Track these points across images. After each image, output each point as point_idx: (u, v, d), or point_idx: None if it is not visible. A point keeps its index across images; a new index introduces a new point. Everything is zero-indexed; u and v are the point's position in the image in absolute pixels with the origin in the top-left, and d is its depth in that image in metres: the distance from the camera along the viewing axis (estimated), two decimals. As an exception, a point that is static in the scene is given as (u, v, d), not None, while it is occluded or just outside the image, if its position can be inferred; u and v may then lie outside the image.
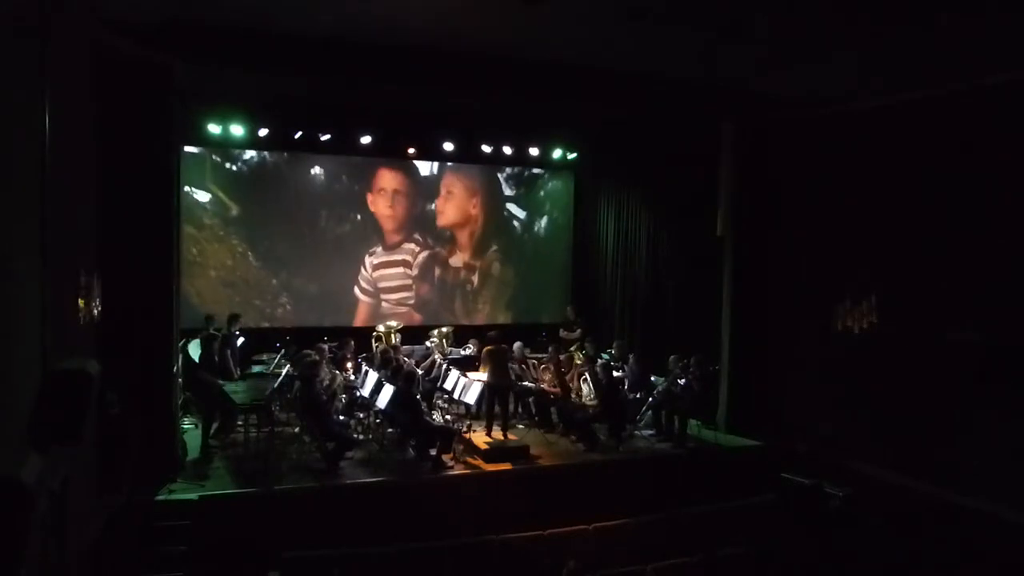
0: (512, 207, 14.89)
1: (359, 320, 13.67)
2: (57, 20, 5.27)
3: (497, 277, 14.83)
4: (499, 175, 14.69)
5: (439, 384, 10.55)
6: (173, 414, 8.55)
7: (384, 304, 13.88)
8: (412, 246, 14.12)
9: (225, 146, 12.50)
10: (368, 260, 13.78)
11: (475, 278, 14.68)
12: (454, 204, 14.40)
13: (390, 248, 13.95)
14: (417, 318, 13.97)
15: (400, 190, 13.94)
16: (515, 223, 14.96)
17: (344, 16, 7.71)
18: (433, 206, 14.26)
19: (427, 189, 14.21)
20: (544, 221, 15.14)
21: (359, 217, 13.70)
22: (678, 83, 9.91)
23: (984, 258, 8.45)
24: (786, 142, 11.03)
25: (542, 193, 15.10)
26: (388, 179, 13.84)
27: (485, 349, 10.23)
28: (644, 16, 7.04)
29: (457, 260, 14.53)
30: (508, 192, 14.83)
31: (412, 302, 14.13)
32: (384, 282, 13.91)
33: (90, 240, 6.88)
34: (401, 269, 14.04)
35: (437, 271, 14.35)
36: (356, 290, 13.73)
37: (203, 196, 12.55)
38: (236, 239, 12.83)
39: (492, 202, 14.70)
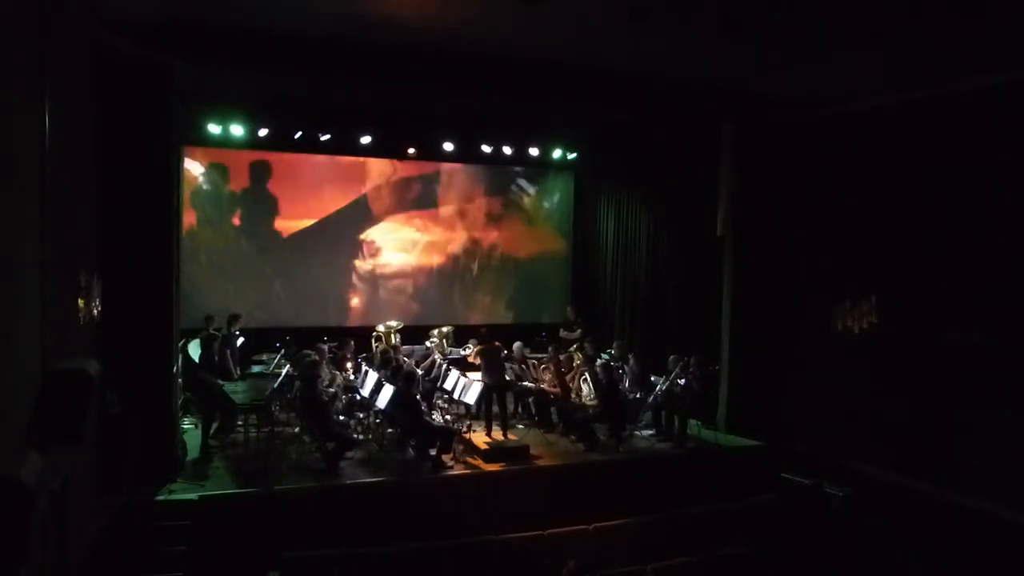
0: (522, 182, 14.83)
1: (356, 308, 13.64)
2: (57, 20, 5.28)
3: (498, 267, 14.80)
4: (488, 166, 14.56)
5: (439, 384, 10.56)
6: (173, 414, 8.55)
7: (382, 293, 13.84)
8: (412, 233, 14.08)
9: (225, 146, 12.49)
10: (366, 247, 13.76)
11: (475, 267, 14.64)
12: (456, 190, 14.39)
13: (388, 234, 13.90)
14: (415, 308, 13.94)
15: (401, 174, 13.90)
16: (525, 200, 14.85)
17: (344, 16, 7.71)
18: (435, 191, 14.23)
19: (430, 173, 14.16)
20: (549, 207, 15.09)
21: (357, 200, 13.65)
22: (678, 83, 9.91)
23: (984, 258, 8.45)
24: (786, 142, 11.03)
25: (545, 185, 15.06)
26: (388, 163, 13.77)
27: (477, 349, 10.26)
28: (644, 16, 7.03)
29: (457, 248, 14.49)
30: (516, 168, 14.71)
31: (410, 291, 14.10)
32: (382, 269, 13.89)
33: (90, 240, 6.88)
34: (400, 256, 14.01)
35: (437, 259, 14.33)
36: (353, 277, 13.71)
37: (196, 169, 12.46)
38: (229, 223, 12.81)
39: (497, 185, 14.65)
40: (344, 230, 13.62)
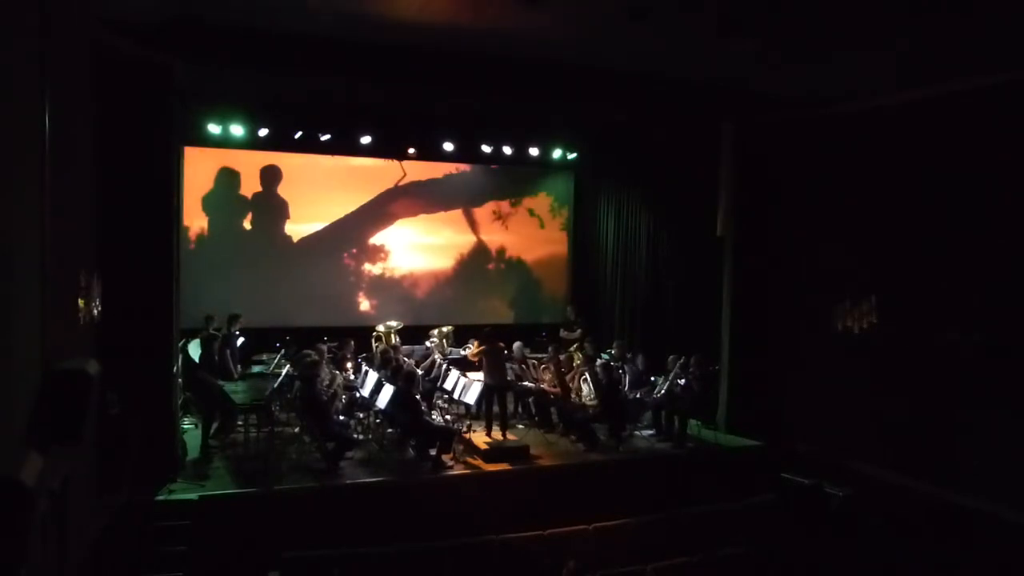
0: (510, 197, 14.85)
1: (365, 311, 13.62)
2: (57, 20, 5.28)
3: (501, 267, 14.81)
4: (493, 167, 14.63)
5: (439, 384, 10.55)
6: (173, 414, 8.55)
7: (390, 295, 13.83)
8: (421, 236, 14.10)
9: (225, 146, 12.48)
10: (376, 250, 13.79)
11: (481, 268, 14.63)
12: (465, 192, 14.42)
13: (398, 237, 13.93)
14: (422, 309, 13.92)
15: (411, 178, 13.91)
16: (532, 201, 14.87)
17: (344, 16, 7.72)
18: (443, 194, 14.24)
19: (438, 177, 14.18)
20: (551, 209, 15.10)
21: (367, 204, 13.67)
22: (678, 83, 9.91)
23: (984, 258, 8.46)
24: (786, 142, 11.03)
25: (545, 186, 15.06)
26: (399, 167, 13.79)
27: (479, 348, 10.22)
28: (644, 16, 7.04)
29: (465, 250, 14.49)
30: (502, 183, 14.76)
31: (419, 293, 14.10)
32: (391, 272, 13.92)
33: (90, 240, 6.88)
34: (409, 258, 14.03)
35: (445, 261, 14.34)
36: (363, 280, 13.73)
37: (207, 174, 12.46)
38: (240, 227, 12.81)
39: (505, 188, 14.69)
40: (354, 233, 13.65)
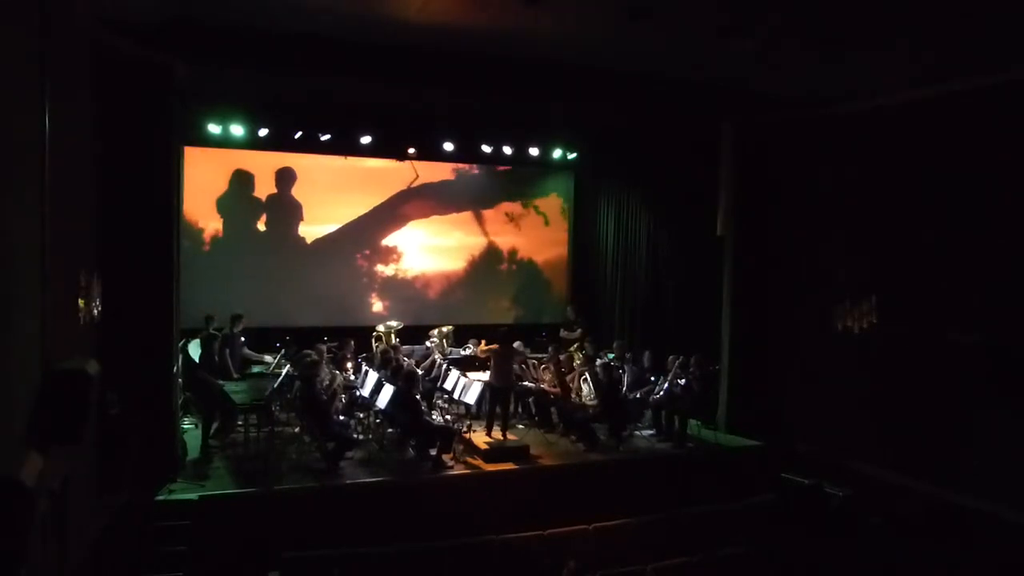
0: (520, 198, 14.88)
1: (377, 312, 13.63)
2: (57, 20, 5.28)
3: (504, 268, 14.82)
4: (502, 169, 14.67)
5: (439, 384, 10.55)
6: (173, 414, 8.54)
7: (401, 296, 13.85)
8: (432, 238, 14.12)
9: (225, 146, 12.47)
10: (388, 252, 13.82)
11: (489, 269, 14.65)
12: (475, 194, 14.47)
13: (409, 239, 13.95)
14: (428, 306, 13.94)
15: (423, 180, 13.94)
16: (540, 202, 14.94)
17: (344, 16, 7.72)
18: (454, 195, 14.25)
19: (450, 179, 14.22)
20: (556, 209, 15.13)
21: (380, 206, 13.70)
22: (678, 83, 9.91)
23: (984, 258, 8.46)
24: (786, 142, 11.04)
25: (542, 193, 15.07)
26: (411, 169, 13.82)
27: (490, 347, 10.16)
28: (644, 16, 7.04)
29: (476, 251, 14.51)
30: (512, 185, 14.80)
31: (429, 294, 14.12)
32: (403, 273, 13.95)
33: (90, 240, 6.89)
34: (420, 260, 14.06)
35: (455, 262, 14.36)
36: (376, 281, 13.76)
37: (222, 176, 12.52)
38: (255, 229, 12.82)
39: (515, 189, 14.74)
40: (367, 235, 13.68)
